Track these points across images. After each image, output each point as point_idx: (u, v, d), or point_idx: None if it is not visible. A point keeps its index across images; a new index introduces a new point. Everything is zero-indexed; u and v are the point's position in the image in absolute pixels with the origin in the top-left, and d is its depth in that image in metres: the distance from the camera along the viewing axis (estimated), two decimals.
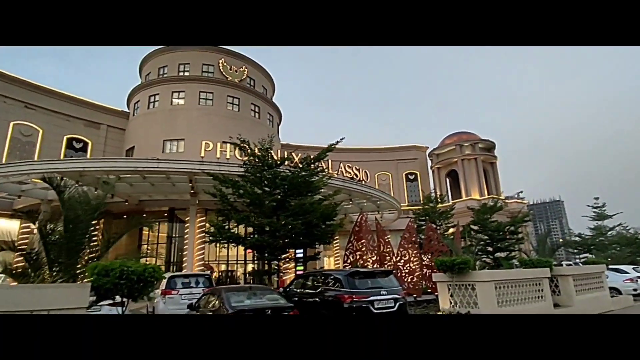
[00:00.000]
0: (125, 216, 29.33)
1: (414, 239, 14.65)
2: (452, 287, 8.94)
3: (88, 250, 6.53)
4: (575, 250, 23.20)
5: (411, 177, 47.55)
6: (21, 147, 29.47)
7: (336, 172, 24.33)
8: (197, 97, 34.29)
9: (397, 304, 7.50)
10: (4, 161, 26.42)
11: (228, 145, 12.44)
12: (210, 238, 12.37)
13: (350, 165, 27.18)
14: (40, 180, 22.46)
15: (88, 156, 32.48)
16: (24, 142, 29.86)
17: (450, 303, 8.96)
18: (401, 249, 14.53)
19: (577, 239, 31.30)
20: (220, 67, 36.07)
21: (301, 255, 16.90)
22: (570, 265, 20.11)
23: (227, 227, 11.90)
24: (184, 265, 24.75)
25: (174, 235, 27.46)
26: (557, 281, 11.12)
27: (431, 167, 47.17)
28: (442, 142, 46.36)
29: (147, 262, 6.62)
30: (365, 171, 29.25)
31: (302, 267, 29.66)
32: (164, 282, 9.96)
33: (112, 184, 10.60)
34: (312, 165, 12.92)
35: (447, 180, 46.58)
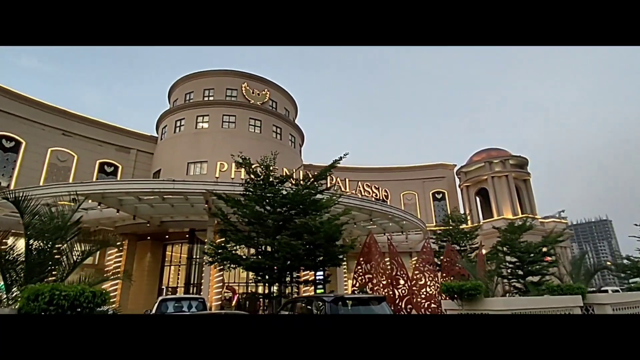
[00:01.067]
0: (149, 237, 30.07)
1: (431, 260, 13.66)
2: None
3: (54, 271, 6.30)
4: (623, 275, 20.92)
5: (438, 197, 45.87)
6: (57, 172, 31.15)
7: (353, 191, 23.66)
8: (220, 121, 35.21)
9: None
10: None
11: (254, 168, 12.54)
12: (209, 259, 12.08)
13: (368, 184, 26.46)
14: (68, 202, 23.47)
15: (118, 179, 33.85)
16: (60, 167, 31.59)
17: None
18: (417, 272, 13.57)
19: (625, 261, 28.48)
20: (243, 91, 37.04)
21: (321, 277, 16.21)
22: (616, 291, 18.02)
23: (227, 247, 11.58)
24: (202, 287, 24.67)
25: (194, 257, 27.61)
26: (593, 311, 9.81)
27: (459, 186, 45.35)
28: (470, 159, 44.62)
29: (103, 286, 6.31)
30: (385, 190, 28.38)
31: (322, 290, 28.81)
32: (155, 305, 9.69)
33: (81, 201, 10.56)
34: (315, 182, 12.46)
35: (477, 199, 44.48)
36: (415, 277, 13.67)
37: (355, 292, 12.16)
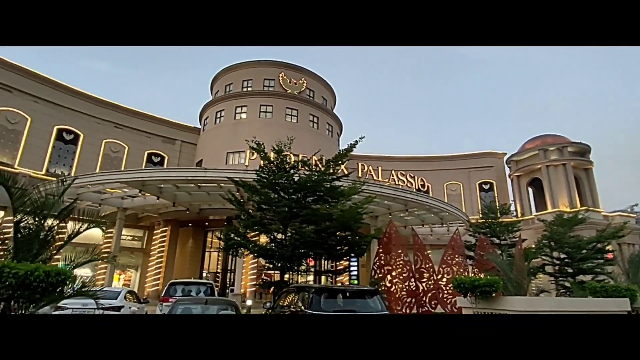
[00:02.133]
0: (190, 224, 31.55)
1: (460, 253, 12.70)
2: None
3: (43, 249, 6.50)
4: None
5: (486, 187, 43.08)
6: (110, 162, 33.58)
7: (386, 180, 22.79)
8: (258, 111, 35.72)
9: None
10: None
11: (272, 153, 12.48)
12: (222, 245, 12.15)
13: (402, 173, 25.35)
14: (115, 190, 25.21)
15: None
16: (112, 157, 34.04)
17: None
18: (444, 265, 12.69)
19: None
20: (280, 81, 37.17)
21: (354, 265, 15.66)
22: None
23: (239, 233, 11.56)
24: (235, 273, 25.43)
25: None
26: None
27: (509, 176, 42.17)
28: (523, 147, 41.19)
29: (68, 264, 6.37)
30: (422, 179, 27.05)
31: (356, 281, 28.35)
32: (165, 289, 9.92)
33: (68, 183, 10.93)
34: (330, 168, 11.96)
35: (529, 190, 41.10)
36: (441, 270, 12.81)
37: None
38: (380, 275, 11.25)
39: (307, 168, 11.77)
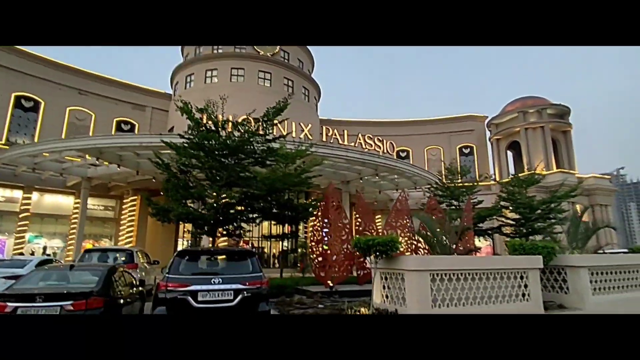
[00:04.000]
0: (162, 193, 31.05)
1: (405, 214, 12.46)
2: (384, 276, 6.97)
3: None
4: None
5: (466, 151, 42.82)
6: (76, 131, 32.37)
7: (352, 143, 22.25)
8: (229, 74, 34.32)
9: (239, 298, 5.60)
10: None
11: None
12: (150, 211, 11.76)
13: (370, 137, 24.78)
14: (75, 158, 24.42)
15: None
16: (78, 125, 32.83)
17: (382, 297, 6.98)
18: (387, 228, 12.47)
19: None
20: None
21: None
22: (616, 253, 14.80)
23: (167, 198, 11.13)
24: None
25: None
26: (565, 274, 8.30)
27: (489, 139, 41.82)
28: (503, 109, 40.56)
29: None
30: (390, 143, 26.52)
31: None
32: (79, 256, 9.45)
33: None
34: (259, 128, 11.32)
35: (508, 153, 40.95)
36: (385, 233, 12.60)
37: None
38: (317, 238, 11.01)
39: (238, 128, 11.14)
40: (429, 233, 9.98)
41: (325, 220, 11.35)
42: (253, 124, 11.43)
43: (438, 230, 9.73)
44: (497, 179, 37.19)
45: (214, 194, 10.26)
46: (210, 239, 11.25)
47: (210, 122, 11.10)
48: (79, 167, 25.22)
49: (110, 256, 10.28)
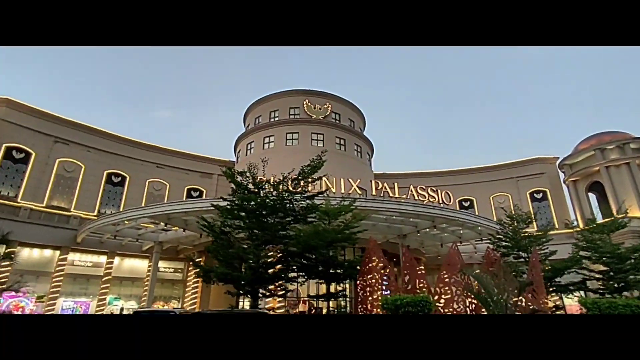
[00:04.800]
0: None
1: (457, 270, 11.45)
2: None
3: None
4: None
5: (538, 197, 39.15)
6: (153, 200, 36.20)
7: (404, 196, 21.68)
8: (284, 139, 36.61)
9: None
10: None
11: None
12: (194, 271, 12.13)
13: (423, 188, 23.94)
14: (150, 225, 26.99)
15: None
16: (155, 195, 36.77)
17: None
18: (441, 285, 11.49)
19: None
20: (305, 108, 38.00)
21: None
22: None
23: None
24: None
25: None
26: None
27: (564, 182, 37.91)
28: (576, 148, 37.05)
29: None
30: (446, 192, 25.27)
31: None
32: None
33: None
34: (296, 186, 11.57)
35: (590, 195, 36.45)
36: (439, 290, 11.60)
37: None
38: (362, 297, 10.42)
39: (275, 187, 11.56)
40: (482, 290, 8.99)
41: (366, 278, 10.82)
42: (290, 183, 11.84)
43: (494, 287, 8.74)
44: (581, 225, 32.90)
45: (252, 254, 10.51)
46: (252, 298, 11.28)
47: (250, 184, 11.75)
48: (152, 232, 27.70)
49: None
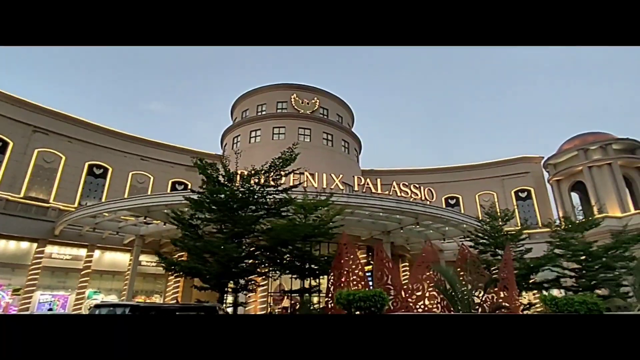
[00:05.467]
0: None
1: (429, 268, 11.37)
2: None
3: None
4: None
5: (523, 195, 39.58)
6: (137, 193, 35.52)
7: (387, 192, 21.60)
8: (271, 133, 36.31)
9: None
10: None
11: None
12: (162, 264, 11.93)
13: (406, 184, 23.92)
14: (130, 218, 26.51)
15: None
16: (139, 188, 36.13)
17: None
18: (413, 281, 11.41)
19: None
20: (293, 102, 37.69)
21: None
22: None
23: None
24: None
25: None
26: None
27: (549, 181, 38.36)
28: (560, 148, 37.49)
29: None
30: (429, 189, 25.30)
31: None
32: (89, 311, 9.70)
33: None
34: (264, 179, 11.37)
35: (573, 195, 36.95)
36: (411, 287, 11.52)
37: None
38: (332, 294, 10.29)
39: (245, 180, 11.36)
40: (448, 286, 8.93)
41: (337, 274, 10.68)
42: (262, 176, 11.64)
43: (459, 283, 8.66)
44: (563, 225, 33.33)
45: (218, 247, 10.31)
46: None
47: (220, 177, 11.52)
48: (134, 225, 27.24)
49: (117, 311, 10.50)
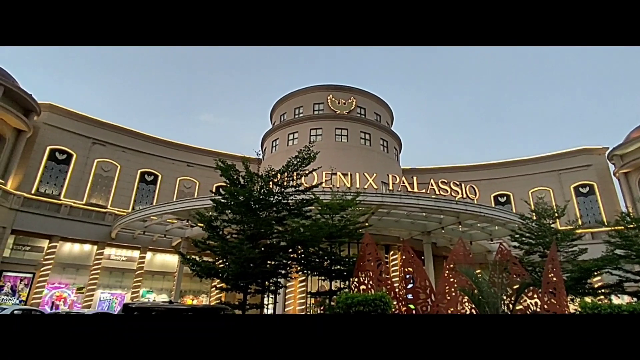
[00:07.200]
0: None
1: (458, 269, 10.58)
2: None
3: None
4: None
5: (584, 191, 35.97)
6: (184, 197, 37.55)
7: (424, 191, 20.65)
8: (308, 135, 36.42)
9: None
10: None
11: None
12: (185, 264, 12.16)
13: (444, 181, 22.66)
14: (174, 220, 27.94)
15: None
16: (186, 192, 38.09)
17: None
18: (444, 284, 10.72)
19: None
20: (329, 103, 37.58)
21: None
22: None
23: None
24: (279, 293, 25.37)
25: None
26: None
27: (615, 174, 34.51)
28: (628, 137, 33.61)
29: None
30: (471, 186, 23.75)
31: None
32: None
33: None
34: (284, 181, 11.19)
35: None
36: (442, 290, 10.82)
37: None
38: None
39: (263, 180, 11.32)
40: (475, 290, 8.23)
41: (362, 276, 10.27)
42: (280, 176, 11.57)
43: (487, 286, 7.97)
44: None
45: (237, 247, 10.37)
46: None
47: (241, 178, 11.63)
48: (180, 228, 28.68)
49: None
